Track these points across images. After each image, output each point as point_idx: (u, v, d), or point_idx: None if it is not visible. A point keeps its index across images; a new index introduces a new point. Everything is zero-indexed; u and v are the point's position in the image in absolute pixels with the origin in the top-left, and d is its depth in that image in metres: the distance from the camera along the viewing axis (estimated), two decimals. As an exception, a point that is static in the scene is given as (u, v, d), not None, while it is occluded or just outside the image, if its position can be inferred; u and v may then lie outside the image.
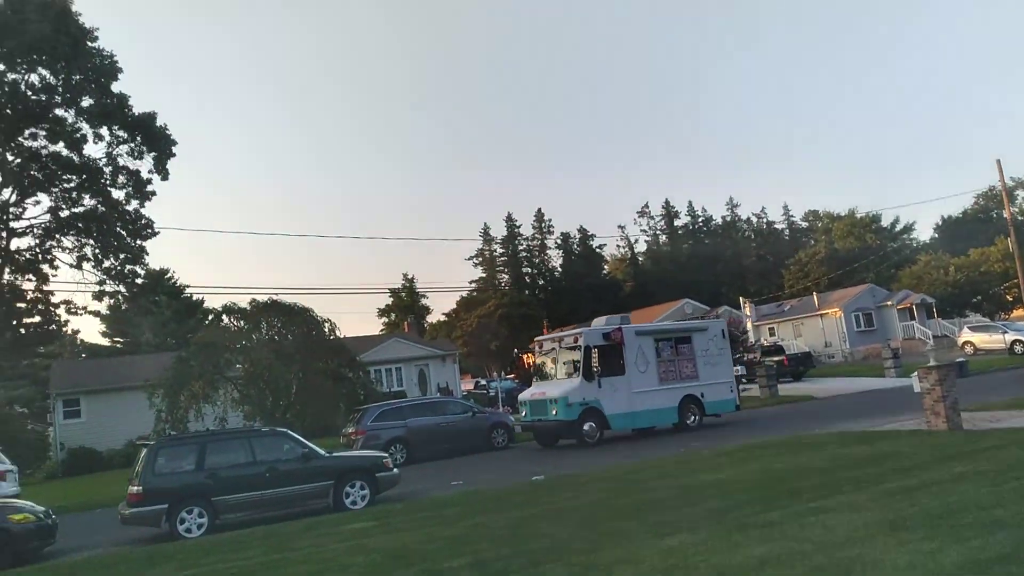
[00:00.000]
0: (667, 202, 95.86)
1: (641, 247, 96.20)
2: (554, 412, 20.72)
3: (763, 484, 11.33)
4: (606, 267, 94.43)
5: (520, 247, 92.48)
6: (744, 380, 32.12)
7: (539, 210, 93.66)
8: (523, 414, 22.24)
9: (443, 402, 25.91)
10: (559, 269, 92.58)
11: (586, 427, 20.56)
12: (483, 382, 48.55)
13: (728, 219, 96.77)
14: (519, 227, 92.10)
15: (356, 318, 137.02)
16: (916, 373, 15.52)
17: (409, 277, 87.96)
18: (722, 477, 12.33)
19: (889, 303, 55.16)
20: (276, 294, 27.04)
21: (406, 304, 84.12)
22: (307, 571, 9.09)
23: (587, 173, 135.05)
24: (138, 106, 32.07)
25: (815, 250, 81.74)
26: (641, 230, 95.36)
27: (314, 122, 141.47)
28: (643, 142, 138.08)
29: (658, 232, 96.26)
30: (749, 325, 48.65)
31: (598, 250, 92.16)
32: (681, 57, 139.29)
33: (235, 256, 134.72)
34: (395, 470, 15.53)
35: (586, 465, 16.87)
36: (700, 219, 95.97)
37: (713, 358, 22.96)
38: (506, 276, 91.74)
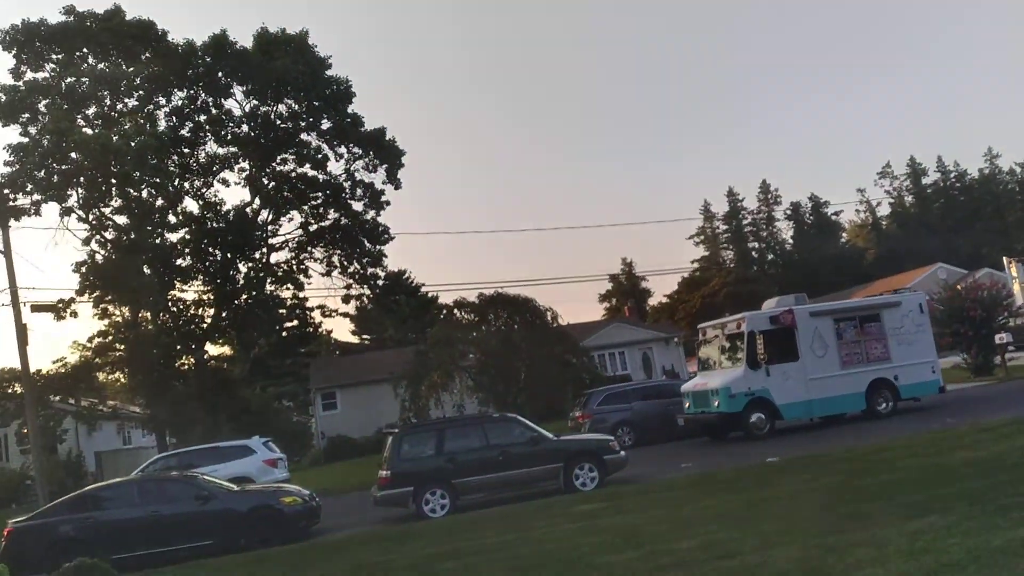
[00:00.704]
0: (912, 159, 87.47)
1: (884, 211, 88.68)
2: (716, 404, 19.29)
3: (1031, 463, 10.09)
4: (844, 235, 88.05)
5: (744, 221, 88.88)
6: (1012, 348, 28.64)
7: (764, 181, 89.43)
8: (687, 406, 20.89)
9: (669, 385, 25.55)
10: (790, 241, 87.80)
11: (753, 418, 18.94)
12: (711, 364, 47.29)
13: (987, 172, 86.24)
14: (742, 200, 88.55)
15: (577, 305, 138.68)
16: None
17: (628, 261, 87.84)
18: (981, 455, 11.14)
19: None
20: (501, 287, 28.25)
21: (626, 289, 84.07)
22: (542, 550, 9.38)
23: (814, 137, 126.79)
24: (369, 123, 34.83)
25: (1099, 196, 70.96)
26: (885, 191, 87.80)
27: (526, 114, 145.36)
28: (878, 95, 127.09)
29: (903, 193, 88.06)
30: (1016, 287, 43.29)
31: (834, 217, 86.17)
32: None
33: (462, 254, 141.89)
34: (622, 452, 15.57)
35: (824, 446, 15.95)
36: (952, 175, 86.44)
37: (909, 336, 20.47)
38: (731, 253, 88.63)
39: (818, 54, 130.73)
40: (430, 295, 56.11)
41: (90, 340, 30.79)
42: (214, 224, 32.99)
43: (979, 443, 12.30)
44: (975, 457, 11.06)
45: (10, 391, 31.00)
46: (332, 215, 35.44)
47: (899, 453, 12.73)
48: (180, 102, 32.88)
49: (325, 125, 34.64)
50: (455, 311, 29.46)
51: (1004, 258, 51.05)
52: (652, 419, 22.11)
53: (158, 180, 31.14)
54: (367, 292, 36.97)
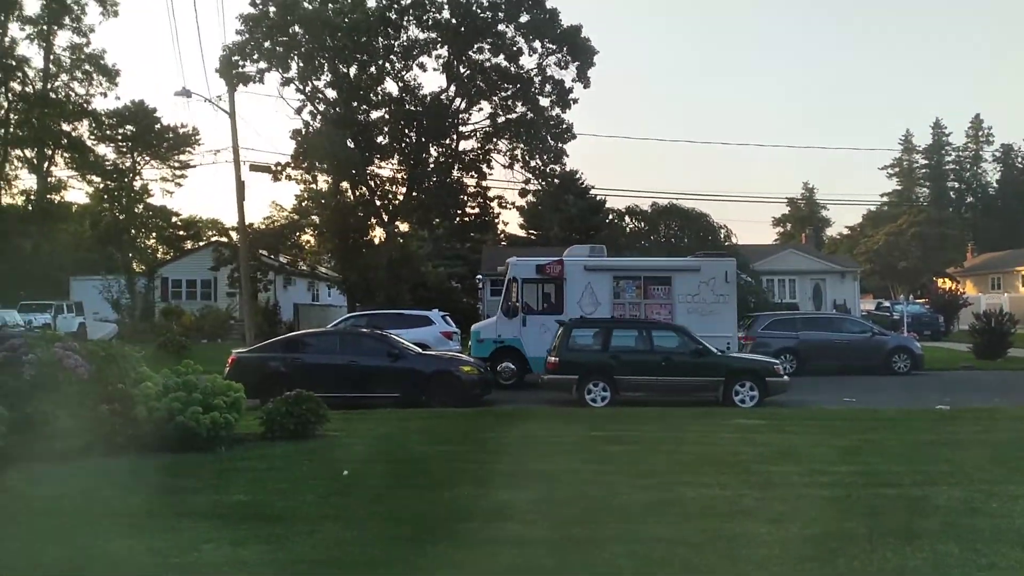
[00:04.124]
0: None
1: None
2: (470, 347, 19.27)
3: None
4: (1058, 185, 79.30)
5: (947, 158, 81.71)
6: None
7: (976, 116, 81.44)
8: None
9: (839, 319, 24.95)
10: (994, 185, 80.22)
11: (500, 367, 18.50)
12: (886, 304, 45.14)
13: None
14: (948, 135, 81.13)
15: (750, 226, 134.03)
16: None
17: (810, 186, 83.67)
18: None
19: None
20: (675, 198, 28.13)
21: (804, 215, 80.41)
22: (701, 451, 9.92)
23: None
24: (565, 19, 34.75)
25: None
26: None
27: (725, 24, 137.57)
28: None
29: None
30: None
31: (1051, 164, 77.67)
32: None
33: (638, 160, 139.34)
34: (785, 377, 15.71)
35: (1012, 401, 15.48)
36: None
37: (705, 306, 18.90)
38: (926, 190, 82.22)
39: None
40: (598, 199, 56.50)
41: (299, 203, 33.76)
42: (411, 107, 34.53)
43: None
44: None
45: (224, 240, 34.65)
46: (520, 108, 36.03)
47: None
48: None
49: (523, 18, 34.85)
50: (626, 217, 29.86)
51: None
52: (817, 350, 21.72)
53: (365, 57, 32.80)
54: (543, 188, 37.79)
